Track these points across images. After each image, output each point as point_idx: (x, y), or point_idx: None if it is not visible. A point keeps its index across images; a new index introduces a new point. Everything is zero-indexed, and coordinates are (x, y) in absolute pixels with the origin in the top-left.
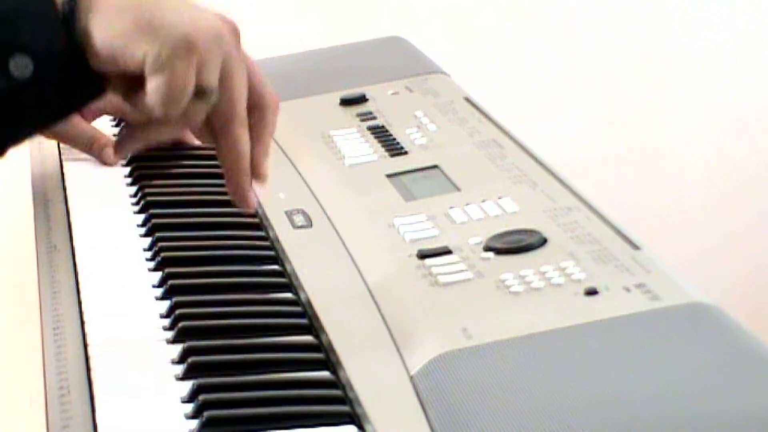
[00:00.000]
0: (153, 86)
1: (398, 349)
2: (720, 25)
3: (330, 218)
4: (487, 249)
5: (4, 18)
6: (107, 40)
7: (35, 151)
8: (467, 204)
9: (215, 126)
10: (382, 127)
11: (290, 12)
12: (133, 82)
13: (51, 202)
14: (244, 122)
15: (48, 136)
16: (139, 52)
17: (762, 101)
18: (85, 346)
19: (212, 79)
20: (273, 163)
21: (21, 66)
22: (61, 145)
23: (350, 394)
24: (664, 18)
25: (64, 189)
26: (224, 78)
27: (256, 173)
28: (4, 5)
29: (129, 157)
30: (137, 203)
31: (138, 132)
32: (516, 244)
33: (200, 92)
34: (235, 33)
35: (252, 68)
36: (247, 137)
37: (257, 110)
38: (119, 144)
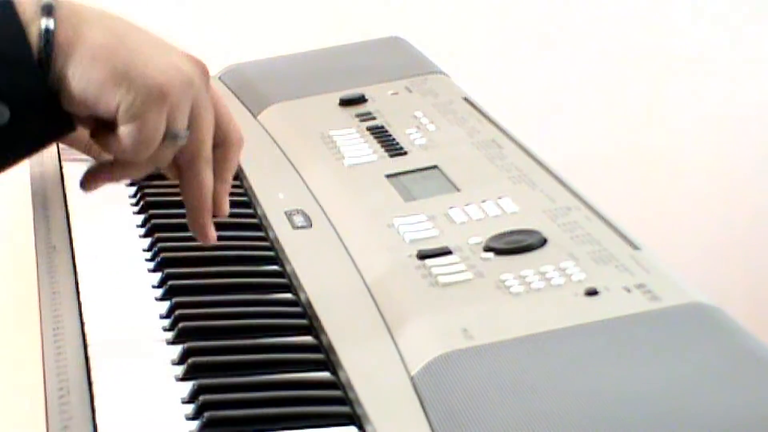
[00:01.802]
0: (125, 133)
1: (398, 350)
2: (720, 24)
3: (330, 218)
4: (487, 249)
5: None
6: (82, 87)
7: None
8: (467, 204)
9: (180, 163)
10: (382, 127)
11: (290, 12)
12: (102, 123)
13: (50, 202)
14: (209, 160)
15: None
16: (113, 100)
17: (761, 101)
18: (85, 346)
19: (181, 125)
20: (273, 163)
21: None
22: (61, 145)
23: (350, 395)
24: (664, 18)
25: (64, 189)
26: (192, 121)
27: (218, 208)
28: None
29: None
30: (137, 203)
31: (106, 170)
32: (516, 245)
33: (169, 136)
34: (205, 74)
35: (219, 106)
36: (210, 174)
37: (222, 147)
38: (88, 179)
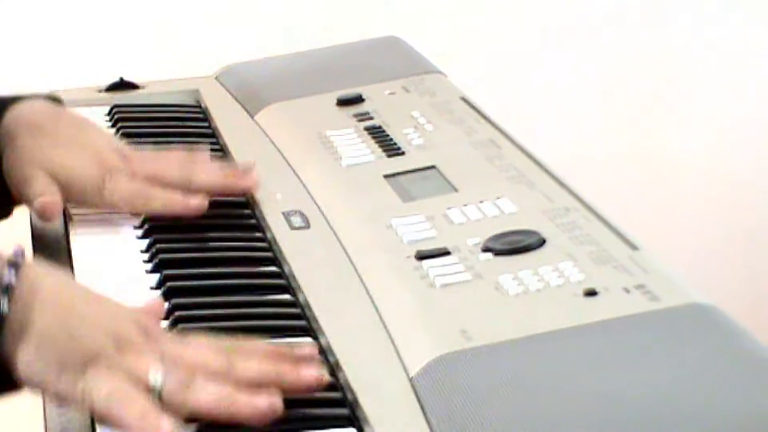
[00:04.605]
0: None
1: (397, 351)
2: (720, 25)
3: (328, 219)
4: (486, 250)
5: None
6: (27, 372)
7: None
8: (465, 204)
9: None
10: (379, 127)
11: (288, 12)
12: None
13: None
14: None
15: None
16: (57, 386)
17: (762, 102)
18: None
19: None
20: (270, 164)
21: None
22: None
23: (349, 397)
24: (664, 18)
25: None
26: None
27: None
28: None
29: None
30: None
31: None
32: (514, 245)
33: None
34: (150, 319)
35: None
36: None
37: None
38: None
